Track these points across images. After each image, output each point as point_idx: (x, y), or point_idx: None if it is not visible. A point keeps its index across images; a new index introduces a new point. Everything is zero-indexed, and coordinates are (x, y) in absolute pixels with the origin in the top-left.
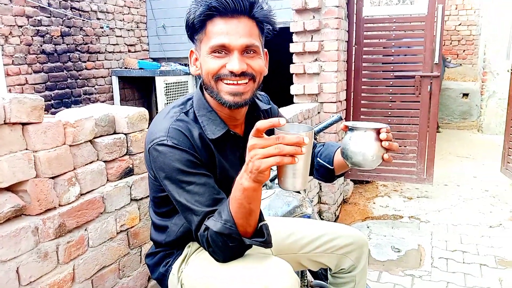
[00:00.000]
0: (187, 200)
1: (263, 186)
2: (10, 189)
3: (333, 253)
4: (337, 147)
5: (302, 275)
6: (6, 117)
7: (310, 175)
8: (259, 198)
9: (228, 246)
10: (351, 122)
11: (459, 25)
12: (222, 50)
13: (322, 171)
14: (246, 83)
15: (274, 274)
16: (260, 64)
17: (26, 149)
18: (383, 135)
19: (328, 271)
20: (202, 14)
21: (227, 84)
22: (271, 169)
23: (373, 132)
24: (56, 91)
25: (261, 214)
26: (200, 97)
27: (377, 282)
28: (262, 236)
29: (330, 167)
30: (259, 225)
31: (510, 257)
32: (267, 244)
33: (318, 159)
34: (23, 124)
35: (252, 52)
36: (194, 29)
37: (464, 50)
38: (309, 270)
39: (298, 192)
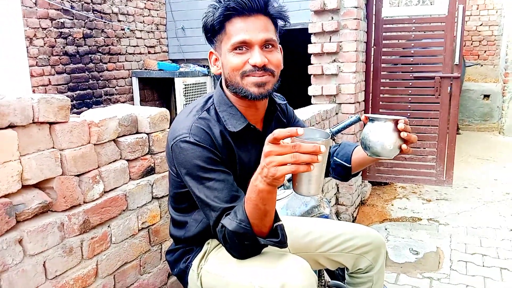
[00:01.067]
0: (207, 196)
1: (281, 187)
2: (38, 186)
3: (351, 253)
4: (354, 146)
5: (319, 274)
6: (35, 117)
7: (326, 176)
8: (274, 199)
9: (244, 245)
10: (371, 114)
11: (480, 25)
12: (243, 46)
13: (339, 169)
14: (267, 75)
15: (292, 272)
16: (278, 57)
17: (53, 147)
18: (401, 126)
19: (346, 271)
20: (221, 15)
21: (251, 77)
22: None
23: (392, 123)
24: (78, 91)
25: (276, 214)
26: (221, 94)
27: (394, 284)
28: (277, 237)
29: (348, 165)
30: (274, 225)
31: None
32: (281, 244)
33: (334, 158)
34: (50, 123)
35: (270, 46)
36: (214, 30)
37: (485, 51)
38: (326, 270)
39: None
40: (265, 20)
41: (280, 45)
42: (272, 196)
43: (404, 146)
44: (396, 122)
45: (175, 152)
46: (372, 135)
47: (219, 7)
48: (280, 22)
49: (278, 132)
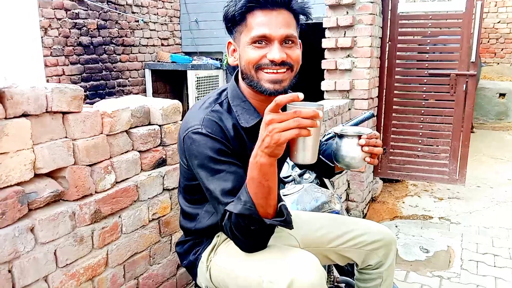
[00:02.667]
0: (216, 187)
1: (292, 181)
2: (50, 175)
3: (361, 249)
4: None
5: (328, 270)
6: (48, 106)
7: (311, 170)
8: (275, 173)
9: (250, 230)
10: (340, 127)
11: (498, 22)
12: (263, 40)
13: (323, 167)
14: (285, 71)
15: (301, 267)
16: (297, 53)
17: (66, 137)
18: (361, 141)
19: (355, 267)
20: (243, 6)
21: (267, 73)
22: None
23: (356, 138)
24: (91, 82)
25: (279, 195)
26: (235, 87)
27: (404, 281)
28: (282, 216)
29: (331, 165)
30: (279, 205)
31: None
32: (287, 223)
33: (320, 156)
34: (63, 113)
35: (290, 42)
36: (234, 21)
37: (502, 49)
38: (335, 266)
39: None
40: (287, 15)
41: (300, 41)
42: (274, 170)
43: (367, 159)
44: (359, 137)
45: (186, 143)
46: (340, 150)
47: None
48: (302, 17)
49: (280, 97)
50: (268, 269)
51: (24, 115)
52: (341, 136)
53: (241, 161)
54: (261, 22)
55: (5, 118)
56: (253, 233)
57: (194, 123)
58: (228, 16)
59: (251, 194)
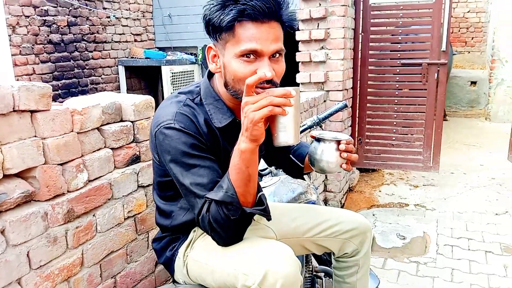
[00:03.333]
0: (191, 182)
1: (269, 174)
2: (20, 175)
3: (337, 238)
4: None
5: (306, 260)
6: (15, 105)
7: (280, 168)
8: (256, 161)
9: (230, 220)
10: (318, 132)
11: (468, 12)
12: (252, 54)
13: (292, 167)
14: (269, 86)
15: (275, 258)
16: (283, 67)
17: (35, 136)
18: (342, 147)
19: (332, 256)
20: (233, 18)
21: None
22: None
23: (335, 143)
24: (63, 81)
25: (259, 185)
26: (208, 86)
27: (382, 268)
28: (261, 205)
29: (301, 165)
30: (258, 195)
31: None
32: (266, 213)
33: (290, 155)
34: (32, 111)
35: (278, 55)
36: (220, 29)
37: (472, 38)
38: (314, 256)
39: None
40: (277, 27)
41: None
42: (254, 157)
43: (344, 166)
44: (338, 143)
45: (158, 138)
46: (317, 154)
47: (231, 8)
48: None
49: (249, 79)
50: (243, 262)
51: None
52: (319, 140)
53: (215, 156)
54: (252, 36)
55: None
56: (232, 223)
57: (166, 117)
58: (213, 23)
59: (232, 181)
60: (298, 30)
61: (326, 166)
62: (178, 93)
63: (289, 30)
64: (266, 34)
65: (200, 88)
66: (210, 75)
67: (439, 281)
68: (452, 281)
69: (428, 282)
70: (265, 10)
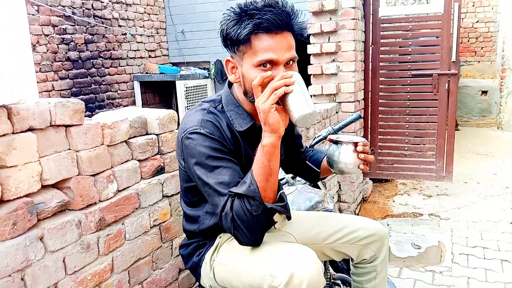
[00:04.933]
0: (214, 182)
1: (286, 184)
2: (56, 186)
3: (355, 244)
4: (324, 155)
5: (325, 268)
6: (52, 120)
7: (297, 175)
8: (278, 157)
9: (252, 216)
10: (335, 136)
11: (477, 22)
12: (268, 63)
13: (309, 173)
14: None
15: (300, 260)
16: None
17: (69, 149)
18: (359, 148)
19: (351, 262)
20: (250, 32)
21: None
22: None
23: (352, 145)
24: (81, 96)
25: (279, 184)
26: (229, 94)
27: (398, 278)
28: (282, 201)
29: (317, 170)
30: (279, 193)
31: None
32: (286, 210)
33: (307, 161)
34: (66, 126)
35: (291, 62)
36: (237, 42)
37: (482, 47)
38: (331, 264)
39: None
40: (290, 37)
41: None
42: (276, 152)
43: (361, 166)
44: (356, 145)
45: (184, 144)
46: (335, 156)
47: (247, 23)
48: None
49: (254, 81)
50: (270, 264)
51: (30, 129)
52: (337, 142)
53: (237, 160)
54: (268, 46)
55: (13, 133)
56: (255, 219)
57: (192, 124)
58: (231, 37)
59: (254, 176)
60: (309, 41)
61: (345, 167)
62: (202, 102)
63: (300, 38)
64: (280, 44)
65: (221, 97)
66: (230, 84)
67: None
68: None
69: None
70: (278, 22)
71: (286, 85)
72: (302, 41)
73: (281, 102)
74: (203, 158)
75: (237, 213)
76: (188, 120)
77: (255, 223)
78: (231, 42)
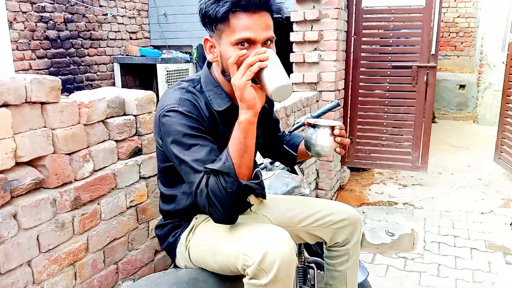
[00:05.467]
0: (190, 159)
1: (264, 169)
2: (30, 163)
3: (329, 227)
4: (302, 139)
5: (299, 251)
6: (27, 96)
7: (274, 159)
8: (254, 134)
9: (227, 193)
10: (313, 120)
11: (458, 17)
12: (246, 42)
13: (286, 156)
14: None
15: (273, 240)
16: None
17: (45, 126)
18: (336, 131)
19: (324, 245)
20: (229, 10)
21: None
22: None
23: (329, 129)
24: (59, 77)
25: (255, 162)
26: (208, 74)
27: (371, 263)
28: (257, 178)
29: (294, 154)
30: (254, 171)
31: (499, 242)
32: (261, 187)
33: (284, 145)
34: (42, 103)
35: (269, 42)
36: (215, 20)
37: (462, 42)
38: (305, 248)
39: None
40: (267, 16)
41: (275, 36)
42: (252, 128)
43: (338, 149)
44: (332, 128)
45: (161, 122)
46: (313, 139)
47: (225, 0)
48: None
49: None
50: (244, 244)
51: (4, 105)
52: (314, 126)
53: (214, 139)
54: (245, 25)
55: None
56: (229, 196)
57: (170, 102)
58: (209, 15)
59: (230, 152)
60: (290, 26)
61: (321, 149)
62: (180, 81)
63: (280, 20)
64: (258, 23)
65: (200, 77)
66: (209, 64)
67: (426, 275)
68: (438, 276)
69: (415, 276)
70: (256, 1)
71: (260, 61)
72: (284, 27)
73: (257, 79)
74: (180, 136)
75: (212, 190)
76: (166, 98)
77: (229, 200)
78: (209, 20)
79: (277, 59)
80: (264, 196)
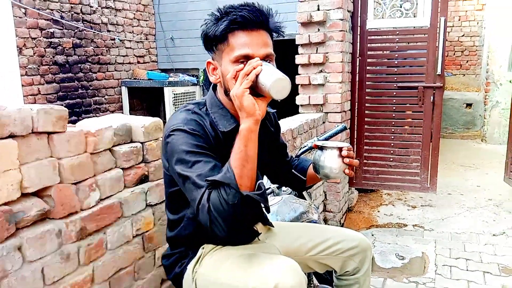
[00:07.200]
0: (194, 175)
1: (271, 193)
2: (36, 194)
3: (338, 256)
4: (310, 163)
5: (308, 278)
6: (34, 127)
7: (283, 184)
8: (255, 143)
9: (229, 206)
10: (321, 141)
11: (462, 36)
12: (245, 59)
13: (295, 181)
14: None
15: (283, 272)
16: None
17: (51, 156)
18: (344, 153)
19: (334, 274)
20: (226, 28)
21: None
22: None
23: (337, 150)
24: (68, 101)
25: (258, 174)
26: (213, 96)
27: None
28: (259, 189)
29: (303, 178)
30: (257, 183)
31: None
32: (264, 198)
33: (293, 170)
34: (49, 133)
35: (269, 60)
36: (215, 41)
37: (467, 61)
38: (315, 274)
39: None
40: (265, 35)
41: (274, 54)
42: (253, 137)
43: (347, 171)
44: (340, 149)
45: (167, 141)
46: (321, 161)
47: (224, 20)
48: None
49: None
50: (253, 276)
51: (11, 136)
52: (322, 148)
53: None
54: (244, 42)
55: None
56: (231, 210)
57: (175, 122)
58: (209, 36)
59: (231, 162)
60: (294, 44)
61: (330, 171)
62: (187, 104)
63: (281, 36)
64: (256, 40)
65: (206, 100)
66: (215, 87)
67: None
68: None
69: None
70: (253, 19)
71: (254, 68)
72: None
73: (255, 86)
74: (184, 154)
75: (213, 204)
76: (173, 120)
77: (231, 214)
78: (210, 40)
79: (272, 66)
80: (268, 210)
